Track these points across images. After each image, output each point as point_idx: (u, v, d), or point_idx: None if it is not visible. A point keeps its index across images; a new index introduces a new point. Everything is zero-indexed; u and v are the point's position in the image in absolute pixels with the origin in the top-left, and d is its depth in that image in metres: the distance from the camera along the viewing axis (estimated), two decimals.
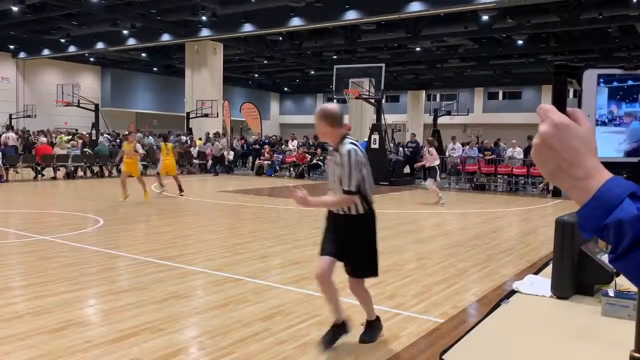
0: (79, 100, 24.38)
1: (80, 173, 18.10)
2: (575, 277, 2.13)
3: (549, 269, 2.24)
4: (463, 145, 18.65)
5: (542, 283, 2.27)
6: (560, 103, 0.77)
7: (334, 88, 18.65)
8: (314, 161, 20.12)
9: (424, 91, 41.86)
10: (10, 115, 29.49)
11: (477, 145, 18.55)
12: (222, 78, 28.03)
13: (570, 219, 2.11)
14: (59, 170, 17.49)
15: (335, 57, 30.13)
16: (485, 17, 20.26)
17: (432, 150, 12.53)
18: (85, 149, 19.09)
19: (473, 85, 39.86)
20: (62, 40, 29.57)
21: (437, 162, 12.49)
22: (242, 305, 4.63)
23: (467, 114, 29.40)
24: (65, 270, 5.73)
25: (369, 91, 18.09)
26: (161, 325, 4.08)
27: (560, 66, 0.80)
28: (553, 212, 11.04)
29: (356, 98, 18.65)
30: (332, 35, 25.37)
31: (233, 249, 7.13)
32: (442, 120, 24.62)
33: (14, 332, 3.85)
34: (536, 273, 2.49)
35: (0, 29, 27.29)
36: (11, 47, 32.17)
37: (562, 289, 2.13)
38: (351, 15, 20.27)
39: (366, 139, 19.07)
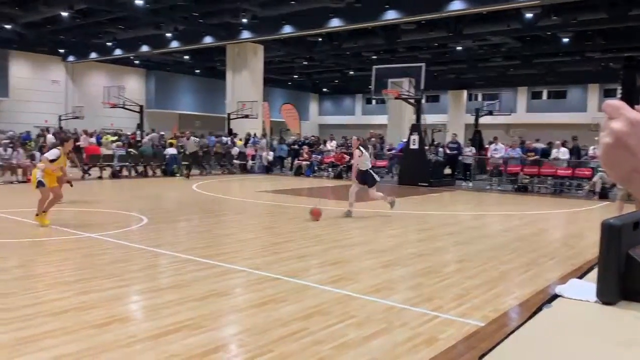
0: (124, 102, 25.10)
1: (125, 173, 18.62)
2: (622, 282, 2.06)
3: (594, 273, 2.17)
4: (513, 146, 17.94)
5: (586, 288, 2.20)
6: (630, 99, 0.72)
7: (373, 88, 18.56)
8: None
9: (466, 91, 41.19)
10: (60, 116, 30.61)
11: (519, 145, 18.08)
12: (262, 79, 28.33)
13: (617, 222, 2.04)
14: (104, 169, 18.05)
15: (374, 57, 29.99)
16: (528, 15, 19.77)
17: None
18: (130, 149, 19.62)
19: (516, 84, 38.96)
20: (109, 44, 30.50)
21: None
22: (280, 304, 4.67)
23: (510, 114, 28.77)
24: (110, 267, 5.91)
25: (408, 91, 17.93)
26: (202, 322, 4.15)
27: (630, 59, 0.74)
28: (600, 215, 10.70)
29: (395, 98, 18.51)
30: (371, 36, 25.27)
31: (272, 248, 7.20)
32: (483, 120, 24.17)
33: (61, 325, 4.00)
34: (581, 277, 2.41)
35: (50, 33, 28.38)
36: (61, 51, 33.38)
37: (608, 295, 2.05)
38: (391, 15, 20.15)
39: (405, 140, 18.91)
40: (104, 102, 26.30)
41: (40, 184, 8.09)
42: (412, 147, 17.60)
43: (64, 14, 23.48)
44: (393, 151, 21.46)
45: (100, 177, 17.50)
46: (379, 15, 20.46)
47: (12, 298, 4.72)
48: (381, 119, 38.72)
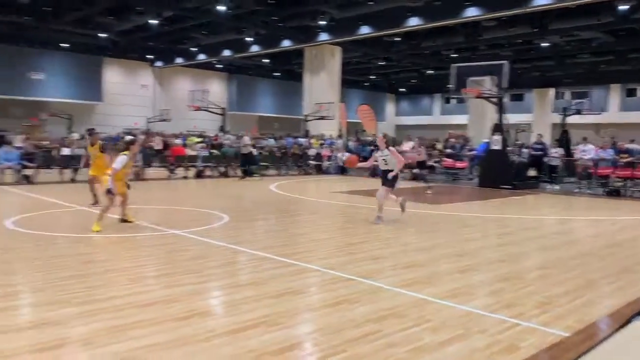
0: (207, 105, 26.13)
1: (208, 173, 19.36)
2: None
3: None
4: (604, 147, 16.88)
5: None
6: None
7: (453, 87, 18.12)
8: (429, 163, 19.70)
9: (552, 89, 39.25)
10: (148, 119, 32.38)
11: (610, 146, 16.96)
12: (339, 81, 28.49)
13: None
14: (189, 170, 18.87)
15: (454, 55, 29.30)
16: (622, 7, 18.53)
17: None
18: (212, 150, 20.38)
19: (608, 81, 36.64)
20: (193, 49, 31.88)
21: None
22: (354, 305, 4.67)
23: (600, 113, 27.11)
24: (192, 262, 6.17)
25: (490, 90, 17.35)
26: (277, 320, 4.24)
27: None
28: None
29: (476, 97, 17.97)
30: (451, 33, 24.71)
31: (345, 248, 7.22)
32: (571, 119, 22.91)
33: (148, 317, 4.22)
34: None
35: (140, 40, 30.09)
36: (149, 57, 35.30)
37: None
38: (472, 12, 19.60)
39: (487, 140, 18.29)
40: (189, 105, 27.51)
41: (109, 192, 8.00)
42: (494, 147, 17.01)
43: (153, 21, 24.81)
44: (474, 152, 20.85)
45: (185, 177, 18.30)
46: (459, 12, 19.96)
47: (103, 290, 5.05)
48: (460, 119, 37.76)
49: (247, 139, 19.51)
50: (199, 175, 18.83)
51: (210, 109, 26.29)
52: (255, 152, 19.83)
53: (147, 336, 3.82)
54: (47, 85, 31.70)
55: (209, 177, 19.17)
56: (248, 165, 18.60)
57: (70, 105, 31.54)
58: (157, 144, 20.70)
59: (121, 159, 8.15)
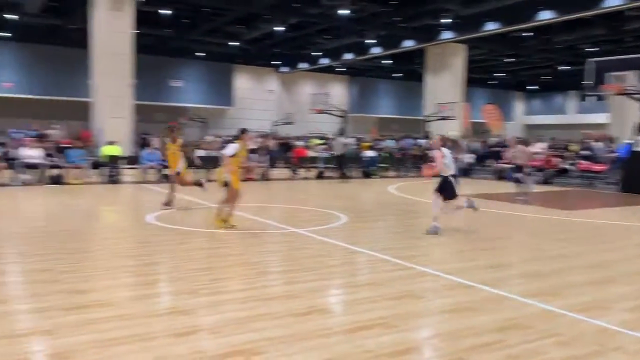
0: (329, 108, 26.70)
1: (328, 174, 19.77)
2: None
3: None
4: None
5: None
6: None
7: (589, 84, 16.69)
8: (562, 166, 18.35)
9: None
10: (273, 122, 33.84)
11: None
12: (463, 79, 27.61)
13: None
14: (310, 171, 19.41)
15: (592, 49, 27.01)
16: None
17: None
18: (333, 152, 20.77)
19: None
20: (316, 54, 32.76)
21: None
22: (474, 313, 4.50)
23: None
24: (312, 260, 6.34)
25: (634, 86, 15.73)
26: (394, 322, 4.21)
27: None
28: None
29: (617, 94, 16.41)
30: (588, 26, 22.81)
31: (466, 254, 6.97)
32: None
33: (269, 311, 4.42)
34: None
35: (267, 47, 31.56)
36: (275, 62, 36.90)
37: None
38: (613, 2, 17.95)
39: (629, 141, 16.64)
40: (311, 109, 28.32)
41: (225, 184, 7.93)
42: (637, 149, 15.42)
43: (279, 29, 25.91)
44: (615, 154, 19.03)
45: (306, 178, 18.86)
46: (598, 2, 18.38)
47: (229, 282, 5.37)
48: (598, 118, 34.73)
49: (341, 141, 19.68)
50: (320, 176, 19.28)
51: (331, 112, 26.83)
52: (373, 153, 19.85)
53: (268, 329, 4.00)
54: (185, 92, 34.46)
55: (330, 178, 19.56)
56: (343, 166, 18.70)
57: (205, 110, 34.06)
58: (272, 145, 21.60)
59: (233, 146, 8.00)
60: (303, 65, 35.41)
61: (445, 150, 8.24)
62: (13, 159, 14.22)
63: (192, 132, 29.54)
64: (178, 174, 10.36)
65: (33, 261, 6.06)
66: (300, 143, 22.53)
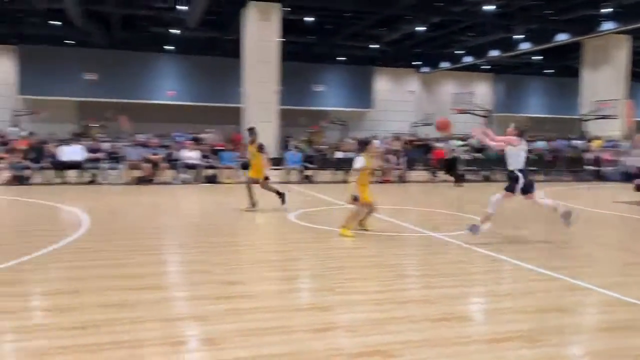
0: (472, 108, 25.75)
1: (470, 177, 19.06)
2: None
3: None
4: None
5: None
6: None
7: None
8: None
9: None
10: (412, 123, 33.48)
11: None
12: (627, 74, 24.92)
13: None
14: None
15: None
16: None
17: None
18: (475, 154, 19.98)
19: None
20: (458, 52, 31.77)
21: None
22: (635, 333, 4.03)
23: None
24: (450, 266, 6.16)
25: None
26: (538, 336, 3.93)
27: None
28: None
29: None
30: None
31: (628, 268, 6.27)
32: None
33: (405, 314, 4.38)
34: None
35: (407, 48, 31.32)
36: (416, 63, 36.50)
37: None
38: None
39: None
40: (452, 109, 27.53)
41: (355, 199, 7.68)
42: None
43: (420, 28, 25.59)
44: None
45: (445, 181, 18.37)
46: None
47: (366, 282, 5.42)
48: None
49: (452, 143, 18.69)
50: (460, 179, 18.64)
51: (474, 112, 25.83)
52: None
53: (403, 332, 3.96)
54: (326, 96, 35.54)
55: (471, 181, 18.84)
56: (451, 170, 17.70)
57: (345, 112, 34.82)
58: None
59: (360, 160, 7.74)
60: (445, 65, 34.58)
61: (522, 141, 7.50)
62: (175, 160, 15.79)
63: (333, 134, 30.39)
64: (267, 178, 10.27)
65: (190, 253, 6.68)
66: (440, 145, 22.00)
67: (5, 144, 15.86)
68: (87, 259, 6.07)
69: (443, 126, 8.85)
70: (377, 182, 17.27)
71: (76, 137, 18.03)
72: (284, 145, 22.12)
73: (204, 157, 16.27)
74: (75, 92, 31.26)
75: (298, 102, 32.98)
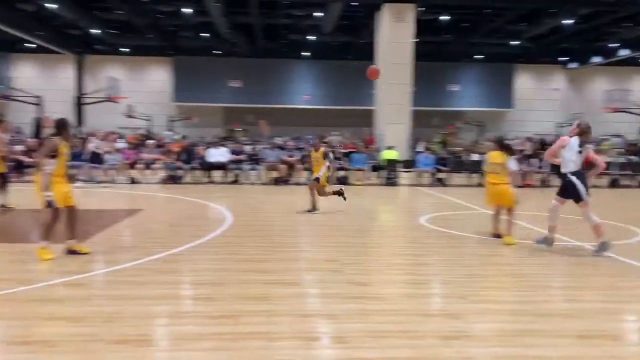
0: (628, 106, 23.31)
1: (626, 182, 17.28)
2: None
3: None
4: None
5: None
6: None
7: None
8: None
9: None
10: (558, 123, 31.11)
11: None
12: None
13: None
14: (601, 178, 17.23)
15: None
16: None
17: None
18: (631, 157, 18.08)
19: None
20: (613, 45, 28.93)
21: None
22: None
23: None
24: (598, 279, 5.65)
25: None
26: None
27: None
28: None
29: None
30: None
31: None
32: None
33: (543, 327, 4.10)
34: None
35: (552, 43, 29.21)
36: (562, 59, 33.89)
37: None
38: None
39: None
40: (603, 107, 25.14)
41: (512, 205, 7.49)
42: None
43: (567, 22, 23.73)
44: None
45: (595, 186, 16.82)
46: None
47: (502, 292, 5.17)
48: None
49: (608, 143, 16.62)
50: (613, 184, 16.98)
51: (630, 110, 23.35)
52: None
53: (541, 346, 3.72)
54: (461, 96, 34.42)
55: (626, 186, 17.06)
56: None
57: (482, 113, 33.44)
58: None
59: (514, 161, 7.69)
60: (596, 59, 31.67)
61: (572, 140, 6.68)
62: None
63: (469, 135, 29.32)
64: (317, 180, 10.22)
65: (322, 251, 6.89)
66: (589, 146, 20.19)
67: (161, 146, 17.60)
68: (229, 253, 6.54)
69: (372, 74, 8.58)
70: (517, 186, 16.36)
71: (222, 141, 19.46)
72: (415, 147, 21.87)
73: (336, 159, 16.65)
74: (221, 99, 33.77)
75: (431, 103, 32.32)
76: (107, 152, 15.80)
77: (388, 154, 17.40)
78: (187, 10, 25.52)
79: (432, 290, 5.41)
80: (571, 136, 6.79)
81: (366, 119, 25.89)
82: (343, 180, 15.98)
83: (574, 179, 6.63)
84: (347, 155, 17.16)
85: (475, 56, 33.68)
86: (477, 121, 30.82)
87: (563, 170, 6.76)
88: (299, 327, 4.05)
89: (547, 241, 6.92)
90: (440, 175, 16.60)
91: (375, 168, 16.91)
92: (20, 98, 27.18)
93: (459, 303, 4.72)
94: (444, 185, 16.25)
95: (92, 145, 15.82)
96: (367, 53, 25.34)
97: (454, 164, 17.26)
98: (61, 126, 6.15)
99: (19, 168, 13.26)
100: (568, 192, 6.73)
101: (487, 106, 34.33)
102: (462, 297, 4.89)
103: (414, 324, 4.16)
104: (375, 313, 4.38)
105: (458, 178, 16.81)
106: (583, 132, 6.77)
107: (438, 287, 5.47)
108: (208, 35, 30.24)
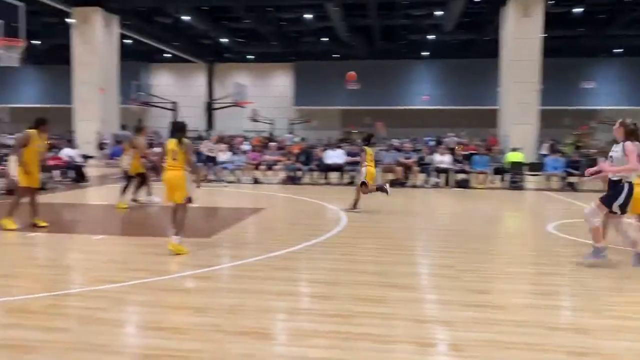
0: None
1: None
2: None
3: None
4: None
5: None
6: None
7: None
8: None
9: None
10: None
11: None
12: None
13: None
14: None
15: None
16: None
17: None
18: None
19: None
20: None
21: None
22: None
23: None
24: None
25: None
26: None
27: None
28: None
29: None
30: None
31: None
32: None
33: None
34: None
35: None
36: None
37: None
38: None
39: None
40: None
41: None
42: None
43: None
44: None
45: None
46: None
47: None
48: None
49: None
50: None
51: None
52: None
53: None
54: (597, 93, 31.73)
55: None
56: None
57: (620, 111, 30.45)
58: None
59: None
60: None
61: (628, 143, 5.84)
62: (427, 164, 16.03)
63: (604, 136, 26.89)
64: (363, 184, 10.29)
65: (438, 256, 6.72)
66: None
67: (282, 148, 18.29)
68: (344, 253, 6.62)
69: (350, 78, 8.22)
70: None
71: (339, 143, 19.75)
72: (549, 150, 20.54)
73: (456, 161, 16.15)
74: (339, 102, 34.32)
75: (562, 102, 30.20)
76: (221, 154, 16.64)
77: (513, 156, 16.53)
78: (308, 16, 26.29)
79: (558, 302, 5.04)
80: (621, 141, 6.07)
81: (487, 119, 24.86)
82: (463, 184, 15.44)
83: (626, 186, 5.89)
84: (467, 157, 16.57)
85: (614, 50, 30.88)
86: (614, 121, 28.14)
87: (615, 177, 6.00)
88: (414, 331, 3.99)
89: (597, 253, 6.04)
90: (572, 179, 15.42)
91: (499, 171, 16.13)
92: (158, 104, 29.78)
93: (589, 317, 4.35)
94: (576, 190, 15.06)
95: (206, 148, 16.86)
96: (490, 51, 24.35)
97: (587, 167, 15.92)
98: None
99: (155, 169, 14.49)
100: (612, 197, 5.94)
101: (626, 104, 31.26)
102: (595, 311, 4.50)
103: (535, 336, 3.91)
104: (494, 322, 4.18)
105: (591, 183, 15.48)
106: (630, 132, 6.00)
107: (565, 299, 5.09)
108: (327, 39, 30.92)
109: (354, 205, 10.34)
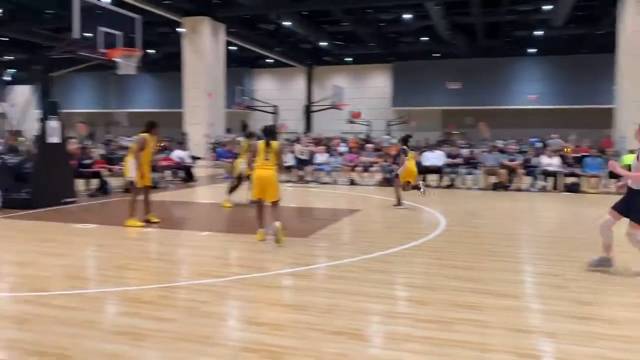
0: None
1: None
2: None
3: None
4: None
5: None
6: None
7: None
8: None
9: None
10: None
11: None
12: None
13: None
14: None
15: None
16: None
17: None
18: None
19: None
20: None
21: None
22: None
23: None
24: None
25: None
26: None
27: None
28: None
29: None
30: None
31: None
32: None
33: None
34: None
35: None
36: None
37: None
38: None
39: None
40: None
41: None
42: None
43: None
44: None
45: None
46: None
47: None
48: None
49: None
50: None
51: None
52: None
53: None
54: None
55: None
56: None
57: None
58: None
59: None
60: None
61: None
62: (533, 167, 15.23)
63: None
64: (397, 176, 10.99)
65: (542, 264, 6.38)
66: None
67: (379, 150, 18.23)
68: (441, 258, 6.49)
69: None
70: None
71: (439, 144, 19.32)
72: None
73: (566, 164, 15.19)
74: (439, 102, 33.60)
75: None
76: (318, 156, 16.89)
77: (630, 159, 15.23)
78: (408, 16, 26.01)
79: None
80: None
81: (601, 118, 23.15)
82: (574, 188, 14.49)
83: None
84: (579, 160, 15.53)
85: None
86: None
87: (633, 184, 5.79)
88: (514, 341, 3.83)
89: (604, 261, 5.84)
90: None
91: (613, 175, 14.94)
92: (260, 108, 30.94)
93: None
94: None
95: (297, 151, 17.20)
96: (605, 45, 22.67)
97: None
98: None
99: None
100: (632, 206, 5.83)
101: None
102: None
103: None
104: (603, 337, 3.91)
105: None
106: None
107: None
108: (427, 38, 30.38)
109: (398, 202, 10.93)
